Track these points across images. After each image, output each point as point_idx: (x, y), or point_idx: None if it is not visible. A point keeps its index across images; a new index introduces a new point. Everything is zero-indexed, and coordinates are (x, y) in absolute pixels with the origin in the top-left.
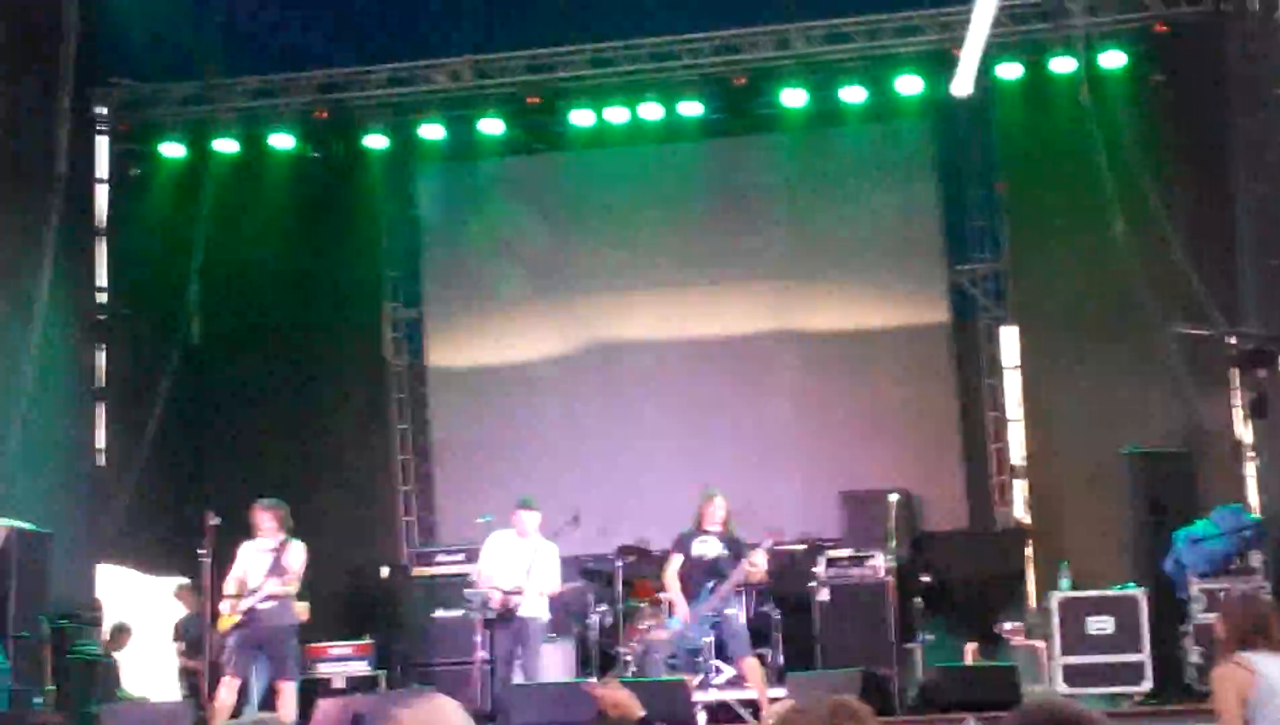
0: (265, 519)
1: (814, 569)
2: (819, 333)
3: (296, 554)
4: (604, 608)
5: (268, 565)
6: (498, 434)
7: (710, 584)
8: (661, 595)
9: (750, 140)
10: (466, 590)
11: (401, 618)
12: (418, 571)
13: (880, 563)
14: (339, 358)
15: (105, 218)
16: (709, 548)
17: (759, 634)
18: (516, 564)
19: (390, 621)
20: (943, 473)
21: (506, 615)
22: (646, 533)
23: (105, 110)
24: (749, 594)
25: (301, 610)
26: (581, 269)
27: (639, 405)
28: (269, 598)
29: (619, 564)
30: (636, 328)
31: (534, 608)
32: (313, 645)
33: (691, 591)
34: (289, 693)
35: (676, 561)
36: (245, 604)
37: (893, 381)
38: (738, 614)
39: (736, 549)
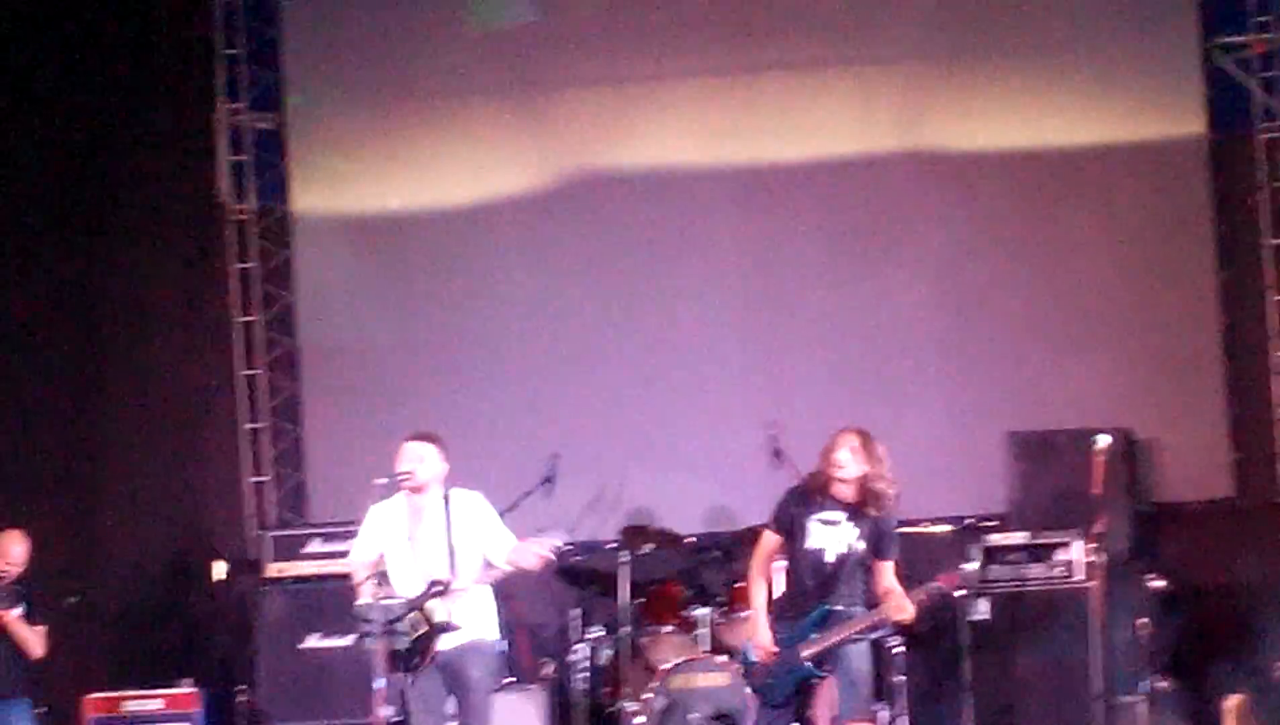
0: None
1: (963, 566)
2: (975, 154)
3: None
4: (596, 633)
5: None
6: (412, 328)
7: (825, 608)
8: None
9: None
10: (361, 602)
11: (248, 649)
12: (275, 570)
13: (1078, 556)
14: (137, 198)
15: None
16: (833, 535)
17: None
18: (423, 545)
19: (229, 656)
20: (1190, 402)
21: (424, 639)
22: (672, 505)
23: None
24: None
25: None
26: (560, 42)
27: (657, 278)
28: None
29: (624, 558)
30: (654, 147)
31: (473, 618)
32: (97, 697)
33: (792, 605)
34: None
35: (768, 544)
36: None
37: (1102, 240)
38: (862, 651)
39: (881, 540)
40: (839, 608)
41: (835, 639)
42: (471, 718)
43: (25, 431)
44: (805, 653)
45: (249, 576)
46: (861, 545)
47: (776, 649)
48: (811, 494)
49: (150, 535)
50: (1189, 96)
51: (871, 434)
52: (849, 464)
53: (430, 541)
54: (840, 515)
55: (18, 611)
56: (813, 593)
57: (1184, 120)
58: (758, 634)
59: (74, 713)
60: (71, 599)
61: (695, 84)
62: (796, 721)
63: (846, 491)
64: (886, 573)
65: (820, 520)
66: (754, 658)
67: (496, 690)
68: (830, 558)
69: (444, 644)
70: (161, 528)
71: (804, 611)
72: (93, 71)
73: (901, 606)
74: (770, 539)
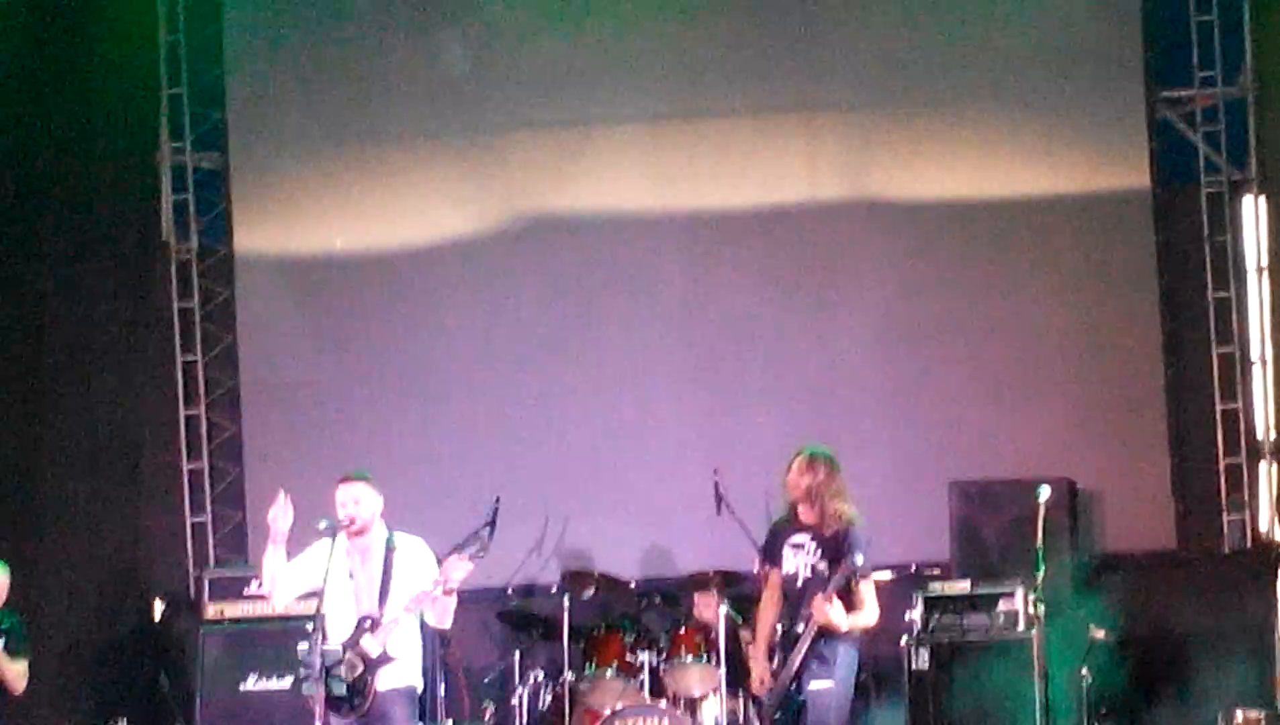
0: None
1: (906, 615)
2: (920, 204)
3: None
4: (537, 676)
5: None
6: (354, 370)
7: (795, 632)
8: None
9: None
10: (303, 645)
11: (184, 690)
12: (213, 610)
13: (1020, 606)
14: (80, 235)
15: None
16: (801, 558)
17: None
18: (363, 585)
19: (163, 697)
20: (1133, 454)
21: (363, 677)
22: (615, 550)
23: None
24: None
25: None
26: (505, 86)
27: (602, 322)
28: None
29: (566, 602)
30: (600, 191)
31: (399, 657)
32: None
33: (782, 633)
34: None
35: (769, 579)
36: None
37: (1047, 291)
38: (835, 689)
39: (844, 560)
40: (804, 626)
41: (796, 654)
42: None
43: None
44: (781, 678)
45: (188, 617)
46: (824, 565)
47: (771, 681)
48: (784, 522)
49: (89, 573)
50: (1134, 150)
51: (821, 452)
52: (795, 481)
53: (369, 582)
54: (805, 537)
55: None
56: (792, 617)
57: (1129, 173)
58: (755, 667)
59: None
60: None
61: (642, 129)
62: None
63: (808, 513)
64: (860, 590)
65: (791, 545)
66: (767, 700)
67: None
68: (799, 582)
69: (382, 682)
70: (101, 566)
71: (787, 638)
72: (36, 108)
73: (819, 608)
74: (771, 574)
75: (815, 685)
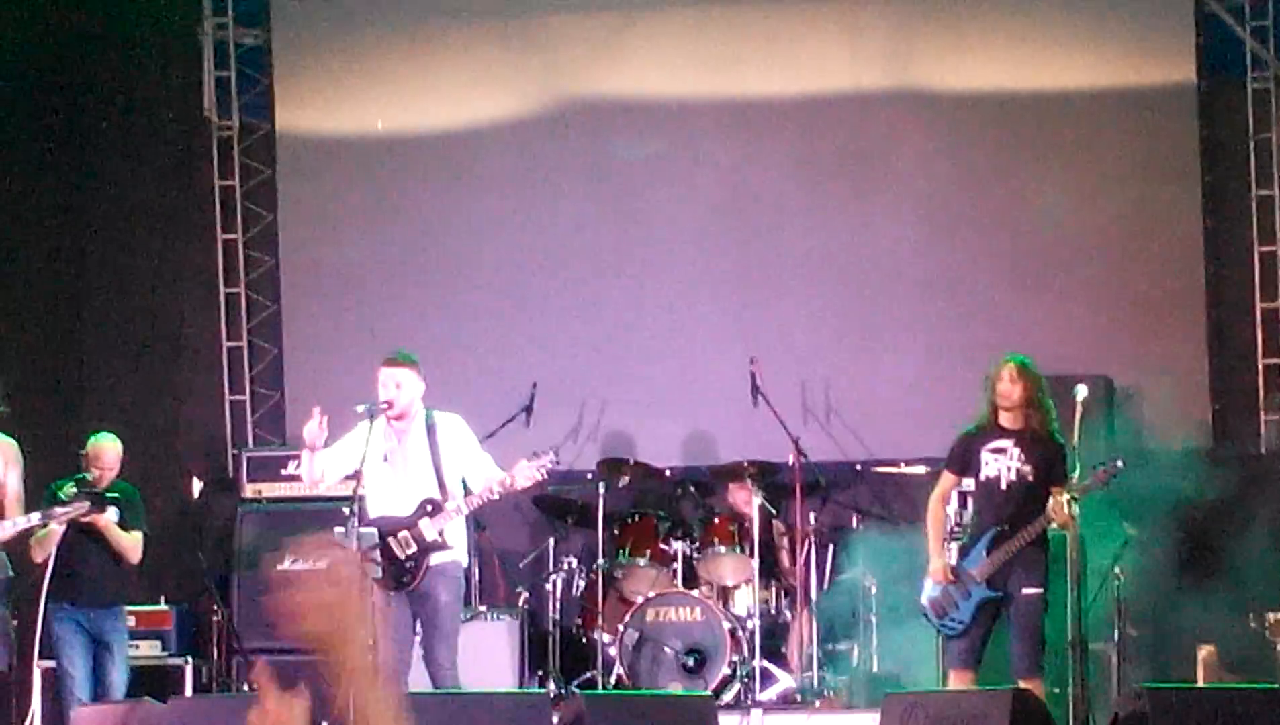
0: None
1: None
2: (963, 95)
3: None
4: (571, 563)
5: None
6: (393, 251)
7: (995, 529)
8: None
9: None
10: (339, 529)
11: (222, 569)
12: (251, 489)
13: (1053, 503)
14: (122, 114)
15: None
16: (1004, 462)
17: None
18: (405, 466)
19: (202, 575)
20: (1172, 352)
21: (417, 557)
22: (650, 438)
23: None
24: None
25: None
26: None
27: (643, 209)
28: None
29: (601, 490)
30: (641, 77)
31: (451, 540)
32: None
33: (968, 533)
34: None
35: (944, 483)
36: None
37: (1089, 185)
38: (1035, 607)
39: (1052, 465)
40: (1007, 528)
41: (1004, 553)
42: (438, 640)
43: (5, 344)
44: (977, 573)
45: (226, 496)
46: (1029, 469)
47: (954, 576)
48: (981, 427)
49: (128, 451)
50: (1181, 43)
51: (1028, 361)
52: (1008, 390)
53: (413, 463)
54: (1008, 443)
55: (112, 517)
56: (987, 519)
57: (1175, 67)
58: (932, 563)
59: None
60: None
61: (684, 13)
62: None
63: (1011, 419)
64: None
65: (991, 450)
66: (932, 594)
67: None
68: (1003, 484)
69: (432, 560)
70: (139, 445)
71: (977, 538)
72: None
73: (1060, 506)
74: (947, 478)
75: (1029, 591)
